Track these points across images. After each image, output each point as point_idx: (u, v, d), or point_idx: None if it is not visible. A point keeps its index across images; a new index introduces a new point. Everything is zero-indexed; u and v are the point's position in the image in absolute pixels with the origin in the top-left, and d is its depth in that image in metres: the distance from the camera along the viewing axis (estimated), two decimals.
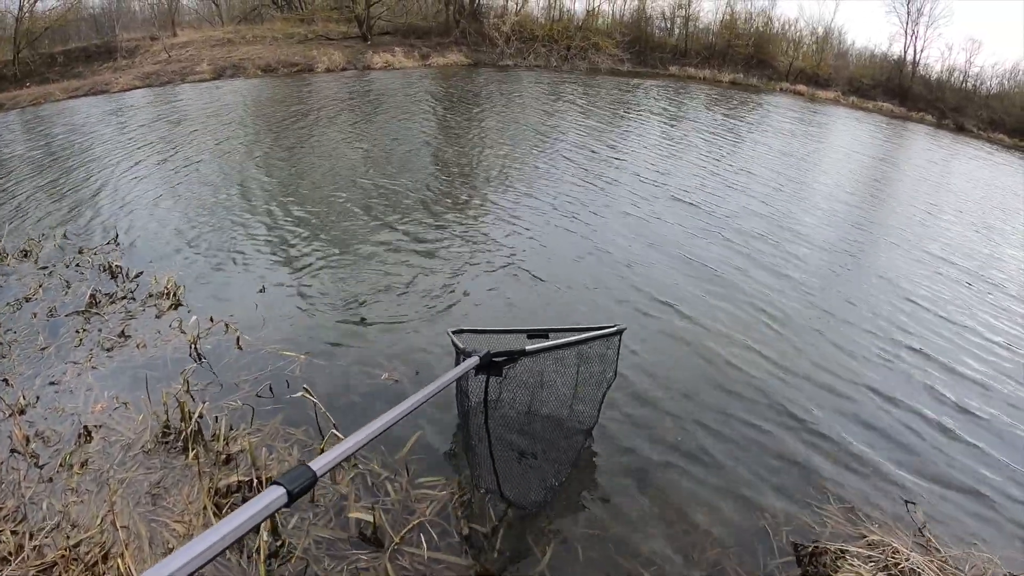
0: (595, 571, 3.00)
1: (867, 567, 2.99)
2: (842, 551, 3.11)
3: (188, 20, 32.78)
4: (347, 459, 3.16)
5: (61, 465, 3.49)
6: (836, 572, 2.98)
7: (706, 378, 4.77)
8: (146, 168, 10.04)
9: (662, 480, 3.64)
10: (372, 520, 3.08)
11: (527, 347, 2.81)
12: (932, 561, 3.11)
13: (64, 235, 7.14)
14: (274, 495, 1.23)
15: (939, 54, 51.85)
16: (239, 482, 3.32)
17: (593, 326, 3.38)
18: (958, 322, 6.52)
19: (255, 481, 3.31)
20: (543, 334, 3.22)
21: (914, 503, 3.72)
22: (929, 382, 5.26)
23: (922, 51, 36.68)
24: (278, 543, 2.99)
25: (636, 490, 3.53)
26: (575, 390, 3.34)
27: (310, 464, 1.35)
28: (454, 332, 3.29)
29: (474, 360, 2.59)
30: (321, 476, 1.36)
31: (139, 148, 11.48)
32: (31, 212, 8.09)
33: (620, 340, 3.54)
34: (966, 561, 3.24)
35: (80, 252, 6.60)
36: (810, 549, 3.18)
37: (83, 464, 3.49)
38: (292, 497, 1.26)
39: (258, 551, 2.89)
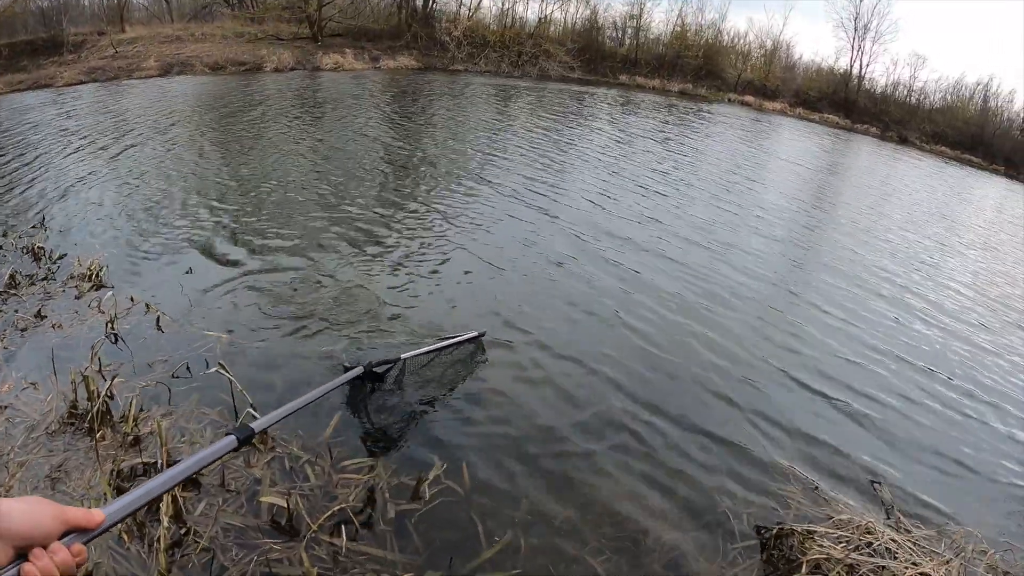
0: (540, 559, 2.71)
1: (838, 547, 2.76)
2: (809, 532, 2.88)
3: (138, 17, 31.82)
4: (264, 443, 3.24)
5: None
6: (805, 553, 2.74)
7: (652, 365, 4.57)
8: (79, 157, 9.50)
9: (608, 468, 3.38)
10: (286, 506, 2.74)
11: (403, 355, 3.63)
12: (906, 539, 2.90)
13: None
14: (226, 440, 1.66)
15: (884, 68, 53.21)
16: (144, 464, 2.95)
17: (459, 334, 4.25)
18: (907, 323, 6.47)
19: (160, 463, 2.94)
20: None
21: (879, 483, 3.54)
22: (880, 369, 5.21)
23: (868, 66, 37.94)
24: (182, 531, 2.62)
25: (581, 478, 3.27)
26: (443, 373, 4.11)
27: (252, 424, 1.85)
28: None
29: (358, 370, 3.28)
30: (259, 432, 1.85)
31: (75, 138, 10.89)
32: None
33: (481, 340, 4.39)
34: (940, 539, 3.06)
35: (4, 235, 6.16)
36: (775, 531, 2.94)
37: None
38: (240, 443, 1.70)
39: (159, 540, 2.53)
